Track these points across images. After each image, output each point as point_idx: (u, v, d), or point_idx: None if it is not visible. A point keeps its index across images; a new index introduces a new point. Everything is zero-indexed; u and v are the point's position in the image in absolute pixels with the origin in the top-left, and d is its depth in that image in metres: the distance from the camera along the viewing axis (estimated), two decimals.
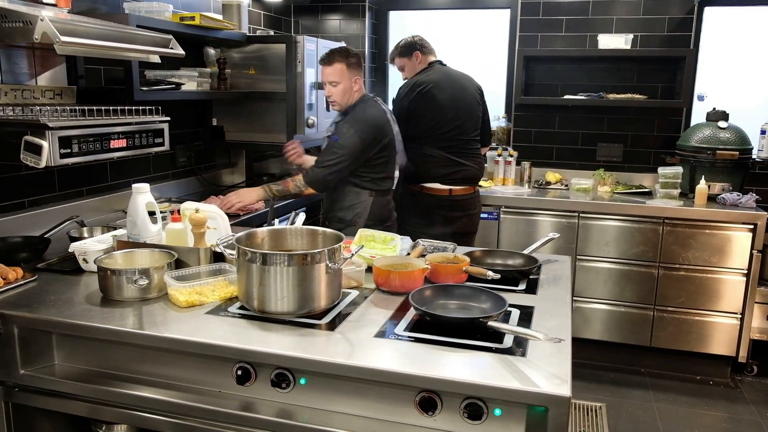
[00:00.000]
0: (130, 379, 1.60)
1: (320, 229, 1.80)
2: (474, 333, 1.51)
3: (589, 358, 3.74)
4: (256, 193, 2.90)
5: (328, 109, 3.71)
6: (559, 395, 1.24)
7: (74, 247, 1.95)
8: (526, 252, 2.14)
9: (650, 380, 3.58)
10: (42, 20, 1.71)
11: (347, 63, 2.79)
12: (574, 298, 3.66)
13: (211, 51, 3.37)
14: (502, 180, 4.16)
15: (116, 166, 2.84)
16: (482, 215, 3.64)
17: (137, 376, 1.61)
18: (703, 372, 3.61)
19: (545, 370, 1.34)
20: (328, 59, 2.80)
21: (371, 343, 1.48)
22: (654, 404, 3.30)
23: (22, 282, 1.83)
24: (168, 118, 2.40)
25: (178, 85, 2.88)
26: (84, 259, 1.94)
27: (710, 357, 3.57)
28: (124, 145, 2.15)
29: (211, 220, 1.97)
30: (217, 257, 1.88)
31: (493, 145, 4.41)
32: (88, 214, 2.65)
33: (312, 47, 3.48)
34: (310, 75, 3.50)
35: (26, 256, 2.05)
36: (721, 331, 3.49)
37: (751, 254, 3.38)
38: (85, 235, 2.23)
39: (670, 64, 4.02)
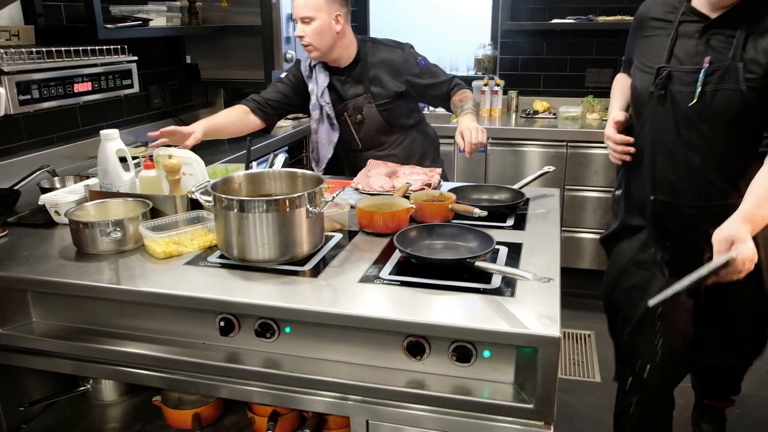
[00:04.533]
0: (111, 334, 1.56)
1: (299, 171, 1.73)
2: (461, 274, 1.47)
3: (579, 287, 3.75)
4: (472, 119, 2.32)
5: None
6: (549, 335, 1.21)
7: (44, 199, 1.87)
8: (517, 186, 2.09)
9: None
10: None
11: None
12: (563, 228, 3.64)
13: None
14: (489, 111, 4.06)
15: (87, 110, 2.72)
16: None
17: (119, 330, 1.56)
18: None
19: (534, 309, 1.30)
20: None
21: (356, 289, 1.44)
22: None
23: None
24: (135, 58, 2.28)
25: (146, 21, 2.72)
26: (56, 212, 1.86)
27: None
28: (90, 88, 2.04)
29: (186, 165, 1.88)
30: (195, 204, 1.81)
31: (479, 74, 4.29)
32: (60, 162, 2.55)
33: None
34: (286, 6, 3.33)
35: None
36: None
37: None
38: (57, 185, 2.14)
39: None
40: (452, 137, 3.48)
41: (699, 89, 1.68)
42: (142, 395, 1.98)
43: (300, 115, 3.92)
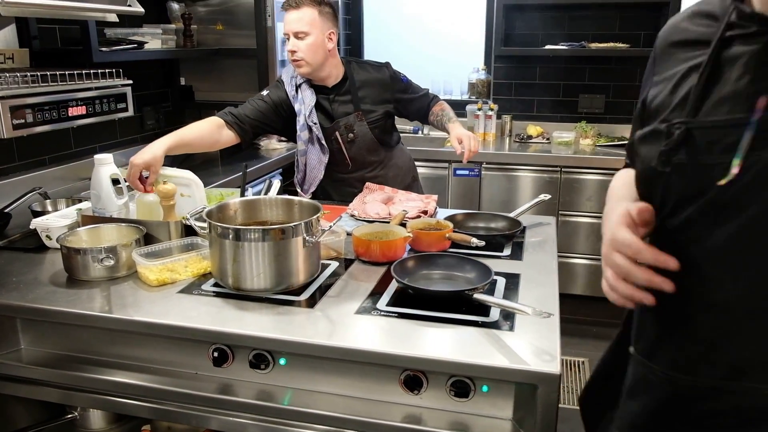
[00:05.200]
0: (102, 362, 1.53)
1: (296, 198, 1.71)
2: (459, 305, 1.45)
3: (572, 313, 3.75)
4: (463, 126, 2.43)
5: None
6: (549, 372, 1.20)
7: (36, 223, 1.84)
8: (513, 215, 2.08)
9: None
10: None
11: (320, 11, 2.26)
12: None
13: (175, 6, 3.19)
14: (483, 135, 4.08)
15: (80, 131, 2.70)
16: (463, 172, 3.57)
17: (109, 359, 1.53)
18: None
19: (534, 344, 1.29)
20: (295, 1, 2.24)
21: (352, 321, 1.42)
22: None
23: None
24: (130, 81, 2.27)
25: (141, 43, 2.72)
26: (47, 236, 1.83)
27: None
28: (84, 112, 2.02)
29: (184, 187, 1.87)
30: (189, 230, 1.78)
31: (473, 98, 4.31)
32: (52, 183, 2.53)
33: None
34: (281, 29, 3.33)
35: None
36: None
37: None
38: (49, 208, 2.11)
39: (653, 10, 3.91)
40: (446, 161, 3.49)
41: (739, 156, 0.85)
42: (131, 423, 1.93)
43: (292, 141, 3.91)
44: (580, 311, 3.75)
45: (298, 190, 2.58)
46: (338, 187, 2.57)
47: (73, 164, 2.64)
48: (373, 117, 2.44)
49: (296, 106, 2.39)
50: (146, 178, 1.90)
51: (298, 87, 2.40)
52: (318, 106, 2.41)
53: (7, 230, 2.01)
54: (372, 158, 2.51)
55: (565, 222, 3.61)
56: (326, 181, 2.56)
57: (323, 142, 2.43)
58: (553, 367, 1.20)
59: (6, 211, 2.12)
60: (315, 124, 2.39)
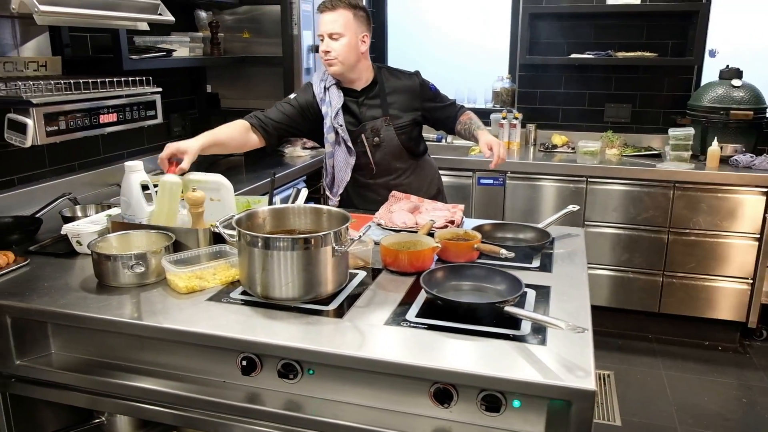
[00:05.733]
0: (130, 368, 1.54)
1: (324, 207, 1.71)
2: (490, 318, 1.44)
3: (597, 325, 3.67)
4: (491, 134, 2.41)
5: None
6: (584, 389, 1.17)
7: (67, 229, 1.86)
8: (542, 225, 2.06)
9: (658, 347, 3.55)
10: None
11: (354, 14, 2.28)
12: None
13: (203, 14, 3.22)
14: (507, 144, 4.05)
15: (108, 138, 2.74)
16: (487, 181, 3.56)
17: (137, 365, 1.54)
18: (712, 338, 3.58)
19: (567, 360, 1.26)
20: (331, 3, 2.27)
21: (381, 332, 1.40)
22: (662, 371, 3.27)
23: (13, 267, 1.75)
24: (160, 89, 2.29)
25: (169, 51, 2.75)
26: (78, 242, 1.85)
27: (719, 323, 3.53)
28: (115, 119, 2.04)
29: (214, 191, 1.87)
30: (217, 238, 1.79)
31: (497, 106, 4.29)
32: (82, 189, 2.56)
33: (308, 8, 3.34)
34: (307, 37, 3.36)
35: (18, 237, 1.96)
36: (731, 297, 3.44)
37: (764, 218, 3.30)
38: (78, 213, 2.14)
39: (681, 19, 3.86)
40: (471, 170, 3.47)
41: None
42: (157, 430, 1.94)
43: (318, 144, 3.92)
44: (605, 323, 3.70)
45: (327, 194, 2.56)
46: (362, 193, 2.56)
47: (102, 170, 2.67)
48: (401, 123, 2.43)
49: (323, 108, 2.39)
50: (177, 162, 1.93)
51: (326, 89, 2.39)
52: (345, 109, 2.41)
53: (38, 235, 2.03)
54: (397, 165, 2.50)
55: (590, 232, 3.56)
56: (351, 187, 2.55)
57: (349, 143, 2.42)
58: (588, 383, 1.18)
59: (37, 216, 2.15)
60: (341, 125, 2.39)
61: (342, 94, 2.40)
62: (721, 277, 3.43)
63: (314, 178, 3.71)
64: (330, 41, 2.27)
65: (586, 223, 3.56)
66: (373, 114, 2.42)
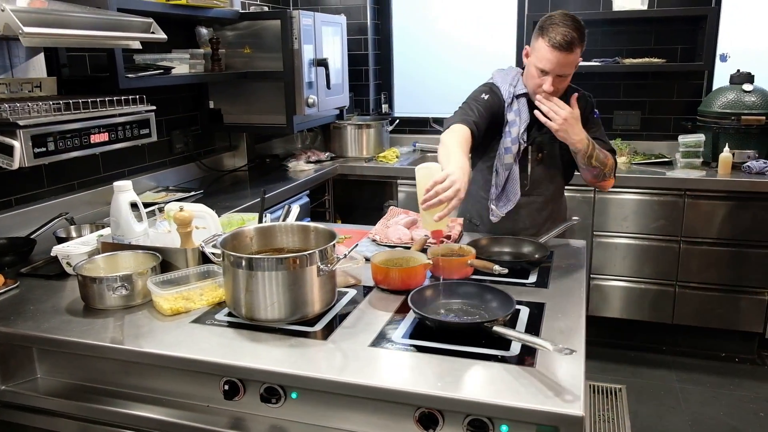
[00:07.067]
0: (117, 394, 1.51)
1: (312, 224, 1.68)
2: (479, 338, 1.39)
3: (608, 337, 3.62)
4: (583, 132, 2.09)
5: (328, 86, 3.56)
6: (571, 414, 1.12)
7: (57, 250, 1.85)
8: (543, 239, 2.00)
9: (672, 359, 3.45)
10: (3, 11, 1.58)
11: (582, 46, 2.05)
12: (591, 275, 3.52)
13: (204, 31, 3.22)
14: None
15: (108, 156, 2.73)
16: None
17: (124, 390, 1.51)
18: (729, 349, 3.47)
19: (556, 383, 1.21)
20: (568, 45, 1.96)
21: (367, 354, 1.36)
22: (676, 384, 3.18)
23: (2, 290, 1.74)
24: (154, 107, 2.27)
25: (168, 69, 2.74)
26: (68, 263, 1.84)
27: (736, 334, 3.42)
28: (107, 139, 2.03)
29: (199, 219, 1.85)
30: (207, 257, 1.76)
31: None
32: (80, 208, 2.55)
33: (309, 22, 3.32)
34: (308, 52, 3.34)
35: (10, 259, 1.96)
36: (748, 307, 3.33)
37: None
38: (73, 234, 2.13)
39: (690, 23, 3.79)
40: None
41: None
42: None
43: (322, 157, 3.91)
44: (616, 335, 3.62)
45: (492, 207, 2.23)
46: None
47: (101, 189, 2.66)
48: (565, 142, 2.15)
49: (510, 116, 2.17)
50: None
51: (516, 97, 2.18)
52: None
53: (32, 256, 2.03)
54: (547, 186, 2.27)
55: (600, 243, 3.49)
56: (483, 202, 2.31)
57: (519, 156, 2.20)
58: (576, 408, 1.13)
59: (32, 236, 2.15)
60: (524, 141, 2.16)
61: (528, 109, 2.16)
62: (737, 287, 3.33)
63: (318, 192, 3.69)
64: (558, 80, 2.04)
65: (595, 233, 3.48)
66: (541, 128, 2.16)
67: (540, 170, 2.24)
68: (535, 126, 2.18)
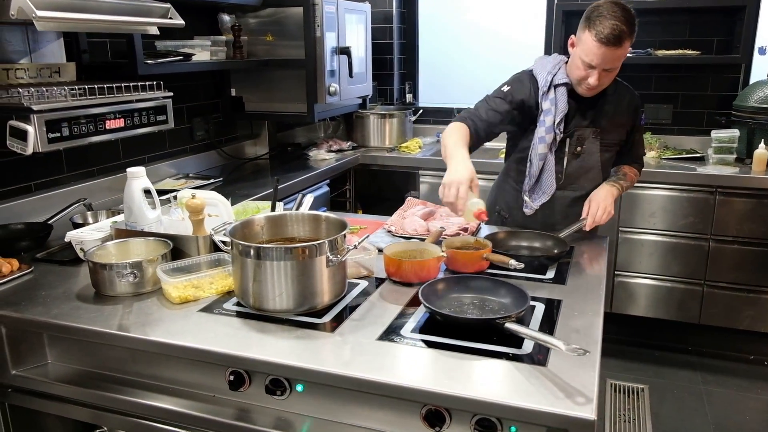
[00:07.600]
0: (125, 381, 1.51)
1: (323, 214, 1.65)
2: (490, 334, 1.34)
3: (633, 335, 3.53)
4: (611, 193, 2.14)
5: (351, 75, 3.52)
6: (582, 417, 1.07)
7: (71, 236, 1.85)
8: (562, 235, 1.94)
9: (698, 360, 3.35)
10: None
11: (632, 38, 1.96)
12: (616, 272, 3.43)
13: (226, 17, 3.21)
14: None
15: (128, 142, 2.74)
16: None
17: (132, 378, 1.50)
18: (757, 351, 3.36)
19: (568, 384, 1.16)
20: (617, 39, 1.88)
21: (374, 348, 1.33)
22: (701, 386, 3.08)
23: (17, 275, 1.74)
24: (171, 94, 2.26)
25: (188, 55, 2.73)
26: (81, 249, 1.83)
27: (765, 336, 3.31)
28: (122, 125, 2.02)
29: (211, 206, 1.83)
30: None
31: None
32: (100, 194, 2.56)
33: (332, 9, 3.28)
34: (331, 39, 3.30)
35: (27, 244, 1.96)
36: None
37: None
38: (90, 220, 2.13)
39: (727, 14, 3.65)
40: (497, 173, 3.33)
41: None
42: None
43: (344, 147, 3.88)
44: (641, 334, 3.53)
45: (526, 199, 2.20)
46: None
47: (121, 175, 2.65)
48: (608, 140, 2.15)
49: (545, 105, 2.10)
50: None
51: (554, 86, 2.10)
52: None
53: (48, 241, 2.03)
54: (583, 181, 2.19)
55: (627, 239, 3.39)
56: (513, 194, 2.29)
57: (555, 148, 2.15)
58: (588, 411, 1.08)
59: (49, 222, 2.15)
60: (560, 132, 2.11)
61: (566, 99, 2.10)
62: (767, 288, 3.22)
63: (339, 182, 3.66)
64: (605, 74, 1.98)
65: (621, 229, 3.39)
66: (582, 121, 2.13)
67: (577, 164, 2.17)
68: (575, 118, 2.12)
